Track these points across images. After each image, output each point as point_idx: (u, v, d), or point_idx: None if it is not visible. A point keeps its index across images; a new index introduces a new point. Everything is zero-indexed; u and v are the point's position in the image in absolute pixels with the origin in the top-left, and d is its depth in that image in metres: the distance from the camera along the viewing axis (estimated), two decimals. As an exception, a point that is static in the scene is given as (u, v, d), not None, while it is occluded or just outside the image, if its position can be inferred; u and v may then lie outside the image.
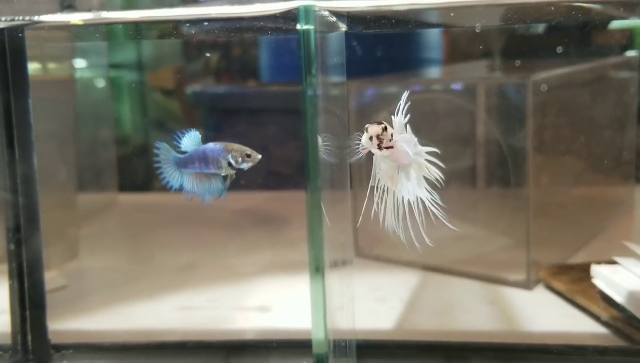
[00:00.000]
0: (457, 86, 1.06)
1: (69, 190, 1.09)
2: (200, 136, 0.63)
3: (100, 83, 1.33)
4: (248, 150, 0.63)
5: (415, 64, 1.43)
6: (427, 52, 1.56)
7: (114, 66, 1.46)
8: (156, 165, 0.64)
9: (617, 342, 0.78)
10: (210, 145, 0.63)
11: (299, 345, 0.75)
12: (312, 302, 0.60)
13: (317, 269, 0.60)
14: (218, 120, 1.48)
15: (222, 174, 0.63)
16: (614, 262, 0.85)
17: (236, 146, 0.64)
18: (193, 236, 1.21)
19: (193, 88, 1.54)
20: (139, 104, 1.66)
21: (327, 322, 0.60)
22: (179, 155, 0.63)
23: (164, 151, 0.64)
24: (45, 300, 0.76)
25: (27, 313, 0.74)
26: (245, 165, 0.63)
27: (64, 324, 0.85)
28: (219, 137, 0.63)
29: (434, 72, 1.48)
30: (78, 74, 1.26)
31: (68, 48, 1.15)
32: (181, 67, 1.69)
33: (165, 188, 0.64)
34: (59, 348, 0.77)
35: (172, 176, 0.64)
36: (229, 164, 0.63)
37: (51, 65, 1.08)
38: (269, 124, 1.38)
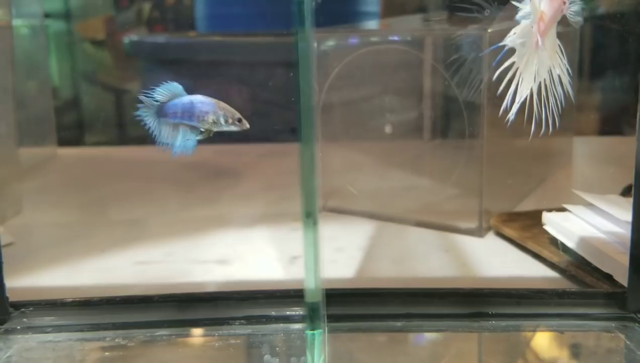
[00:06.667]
0: (395, 37, 1.06)
1: (9, 143, 1.05)
2: (181, 88, 0.61)
3: (36, 32, 1.27)
4: (239, 115, 0.61)
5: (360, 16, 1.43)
6: (366, 5, 1.56)
7: (47, 15, 1.39)
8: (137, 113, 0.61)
9: (569, 285, 0.81)
10: (199, 97, 0.61)
11: (265, 296, 0.75)
12: (305, 254, 0.62)
13: (309, 215, 0.60)
14: (159, 70, 1.44)
15: (202, 129, 0.61)
16: (563, 209, 0.89)
17: (228, 106, 0.61)
18: (138, 190, 1.19)
19: (130, 37, 1.49)
20: (69, 54, 1.60)
21: (319, 271, 0.60)
22: (161, 103, 0.61)
23: (148, 100, 0.61)
24: (1, 256, 0.73)
25: (-19, 271, 0.71)
26: (234, 128, 0.61)
27: (18, 281, 0.82)
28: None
29: (373, 25, 1.48)
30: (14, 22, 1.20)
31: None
32: (111, 16, 1.63)
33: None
34: (17, 306, 0.74)
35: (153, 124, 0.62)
36: (214, 122, 0.61)
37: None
38: (214, 75, 1.35)
